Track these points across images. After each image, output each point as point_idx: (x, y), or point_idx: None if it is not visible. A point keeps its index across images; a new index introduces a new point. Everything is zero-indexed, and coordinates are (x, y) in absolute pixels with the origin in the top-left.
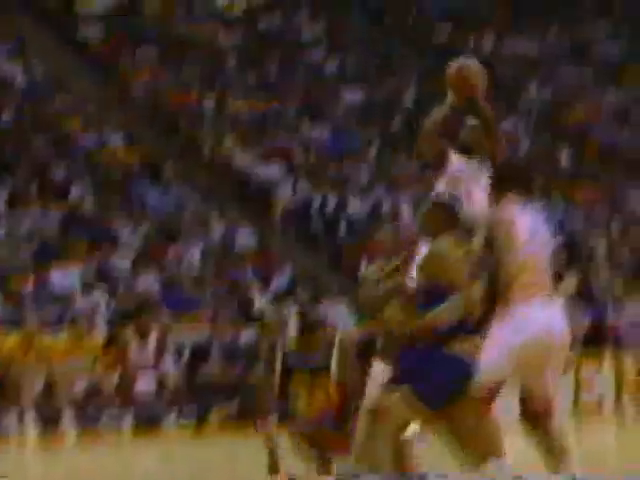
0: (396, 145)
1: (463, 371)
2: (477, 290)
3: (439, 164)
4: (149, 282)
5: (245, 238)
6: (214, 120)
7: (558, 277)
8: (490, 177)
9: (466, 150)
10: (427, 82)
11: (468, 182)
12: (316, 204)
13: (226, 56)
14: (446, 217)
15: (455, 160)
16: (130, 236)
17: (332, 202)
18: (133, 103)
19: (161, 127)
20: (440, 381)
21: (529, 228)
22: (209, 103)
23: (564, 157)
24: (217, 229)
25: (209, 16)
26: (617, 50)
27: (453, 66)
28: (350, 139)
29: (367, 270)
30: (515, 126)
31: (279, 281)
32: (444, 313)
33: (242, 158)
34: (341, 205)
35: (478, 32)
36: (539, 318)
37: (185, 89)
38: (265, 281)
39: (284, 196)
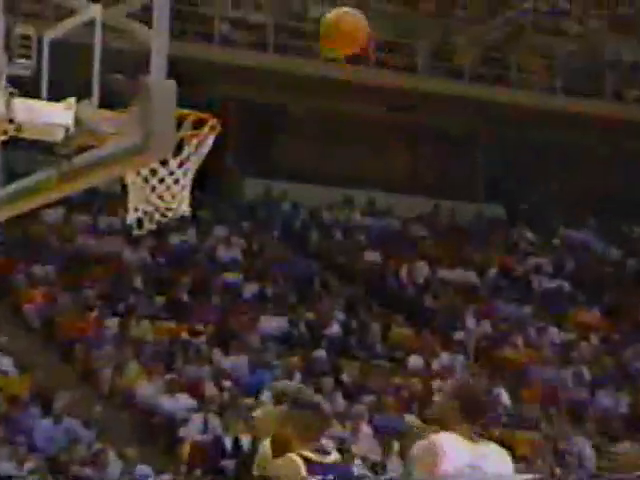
0: (320, 378)
1: None
2: None
3: None
4: None
5: None
6: (115, 346)
7: None
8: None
9: None
10: (355, 310)
11: None
12: (228, 444)
13: (131, 275)
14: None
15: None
16: (14, 475)
17: (246, 442)
18: (26, 325)
19: (55, 352)
20: None
21: (459, 465)
22: (110, 327)
23: (504, 398)
24: (114, 469)
25: (114, 230)
26: (560, 288)
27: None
28: (268, 372)
29: None
30: (451, 361)
31: None
32: None
33: (145, 389)
34: (256, 445)
35: (411, 260)
36: None
37: (84, 310)
38: None
39: (192, 434)
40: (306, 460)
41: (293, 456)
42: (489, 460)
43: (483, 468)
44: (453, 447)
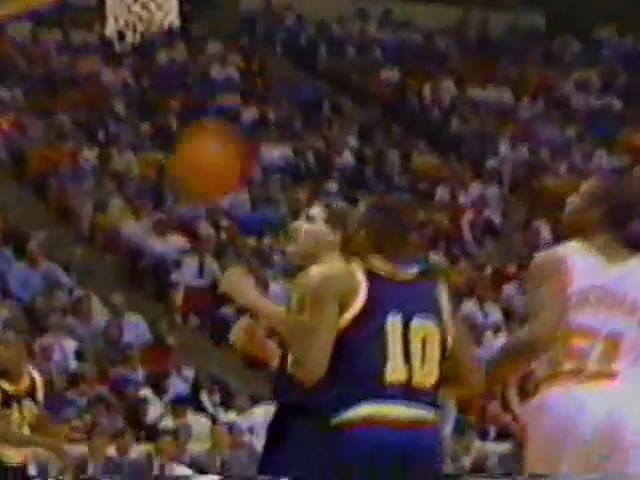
0: None
1: None
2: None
3: None
4: None
5: (135, 330)
6: (95, 181)
7: None
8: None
9: None
10: (371, 137)
11: None
12: None
13: (112, 98)
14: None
15: None
16: None
17: None
18: None
19: (27, 187)
20: None
21: (586, 286)
22: (89, 159)
23: (544, 231)
24: (98, 318)
25: (90, 47)
26: (608, 107)
27: None
28: (271, 209)
29: None
30: (482, 192)
31: (177, 385)
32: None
33: (131, 229)
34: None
35: (435, 77)
36: (593, 410)
37: (57, 140)
38: (160, 385)
39: (186, 278)
40: (370, 272)
41: (352, 263)
42: (626, 282)
43: (615, 292)
44: (582, 262)
